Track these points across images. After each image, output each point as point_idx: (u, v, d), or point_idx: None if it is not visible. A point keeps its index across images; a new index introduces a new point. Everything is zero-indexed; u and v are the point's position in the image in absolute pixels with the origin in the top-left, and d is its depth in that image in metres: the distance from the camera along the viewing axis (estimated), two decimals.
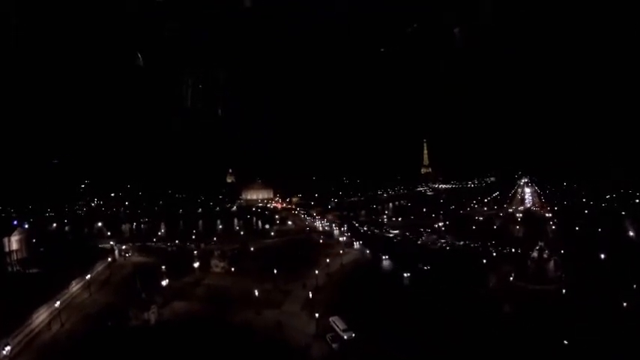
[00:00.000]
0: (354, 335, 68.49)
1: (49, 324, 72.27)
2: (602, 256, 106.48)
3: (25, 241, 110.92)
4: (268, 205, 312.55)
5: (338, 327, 70.94)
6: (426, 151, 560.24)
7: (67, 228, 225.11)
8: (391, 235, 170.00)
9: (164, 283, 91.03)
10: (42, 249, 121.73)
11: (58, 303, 76.37)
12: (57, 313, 74.53)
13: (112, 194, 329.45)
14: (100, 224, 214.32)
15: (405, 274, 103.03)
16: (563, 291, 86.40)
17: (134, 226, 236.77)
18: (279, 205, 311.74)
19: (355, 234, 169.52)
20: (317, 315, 73.65)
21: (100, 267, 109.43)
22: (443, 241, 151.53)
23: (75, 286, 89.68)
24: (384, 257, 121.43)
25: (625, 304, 73.99)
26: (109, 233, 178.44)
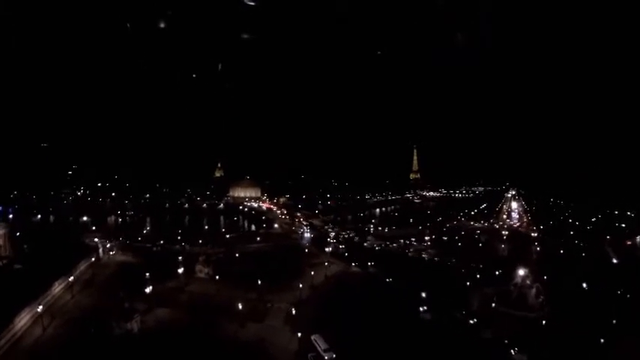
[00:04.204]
0: (334, 356, 68.98)
1: (31, 328, 71.67)
2: (585, 285, 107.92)
3: (8, 236, 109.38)
4: (255, 205, 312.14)
5: (319, 346, 71.30)
6: (415, 157, 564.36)
7: (51, 218, 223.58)
8: (377, 247, 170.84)
9: (147, 289, 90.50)
10: (26, 245, 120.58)
11: (41, 306, 75.71)
12: (39, 317, 73.91)
13: (99, 184, 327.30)
14: (85, 217, 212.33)
15: (390, 292, 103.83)
16: (544, 322, 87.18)
17: (119, 221, 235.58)
18: (266, 205, 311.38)
19: (341, 243, 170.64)
20: (299, 333, 73.92)
21: (83, 266, 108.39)
22: (429, 257, 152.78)
23: (58, 287, 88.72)
24: (369, 271, 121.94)
25: (602, 340, 74.97)
26: (93, 228, 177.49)
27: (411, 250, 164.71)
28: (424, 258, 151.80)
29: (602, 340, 74.90)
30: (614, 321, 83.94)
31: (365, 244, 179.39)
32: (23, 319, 71.41)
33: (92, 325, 73.32)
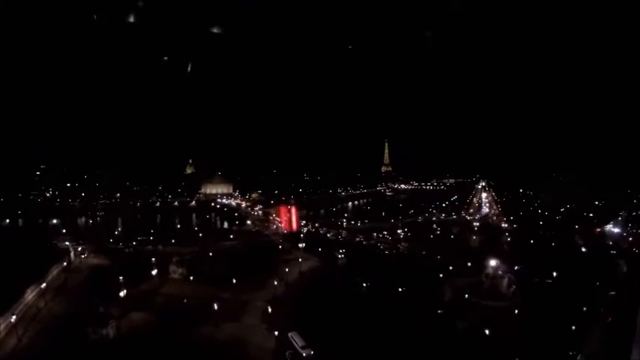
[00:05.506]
0: (312, 353, 69.85)
1: (6, 339, 71.06)
2: (555, 273, 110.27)
3: None
4: (227, 202, 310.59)
5: (296, 343, 72.18)
6: (387, 150, 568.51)
7: (20, 221, 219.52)
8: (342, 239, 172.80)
9: (122, 293, 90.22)
10: None
11: (14, 316, 74.90)
12: (13, 327, 73.12)
13: (68, 184, 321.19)
14: (54, 220, 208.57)
15: (364, 286, 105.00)
16: (516, 310, 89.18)
17: (90, 222, 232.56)
18: (238, 202, 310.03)
19: (314, 239, 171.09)
20: (276, 331, 75.12)
21: (55, 271, 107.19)
22: (401, 250, 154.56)
23: (30, 294, 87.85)
24: (342, 266, 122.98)
25: (573, 326, 77.32)
26: (64, 230, 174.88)
27: (383, 243, 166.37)
28: (396, 250, 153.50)
29: (572, 328, 77.29)
30: (584, 308, 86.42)
31: (329, 235, 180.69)
32: None
33: (68, 332, 72.90)
